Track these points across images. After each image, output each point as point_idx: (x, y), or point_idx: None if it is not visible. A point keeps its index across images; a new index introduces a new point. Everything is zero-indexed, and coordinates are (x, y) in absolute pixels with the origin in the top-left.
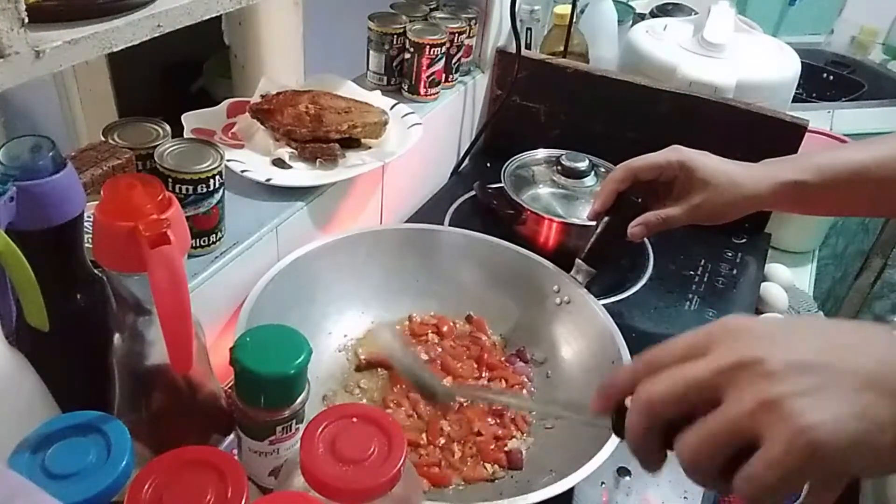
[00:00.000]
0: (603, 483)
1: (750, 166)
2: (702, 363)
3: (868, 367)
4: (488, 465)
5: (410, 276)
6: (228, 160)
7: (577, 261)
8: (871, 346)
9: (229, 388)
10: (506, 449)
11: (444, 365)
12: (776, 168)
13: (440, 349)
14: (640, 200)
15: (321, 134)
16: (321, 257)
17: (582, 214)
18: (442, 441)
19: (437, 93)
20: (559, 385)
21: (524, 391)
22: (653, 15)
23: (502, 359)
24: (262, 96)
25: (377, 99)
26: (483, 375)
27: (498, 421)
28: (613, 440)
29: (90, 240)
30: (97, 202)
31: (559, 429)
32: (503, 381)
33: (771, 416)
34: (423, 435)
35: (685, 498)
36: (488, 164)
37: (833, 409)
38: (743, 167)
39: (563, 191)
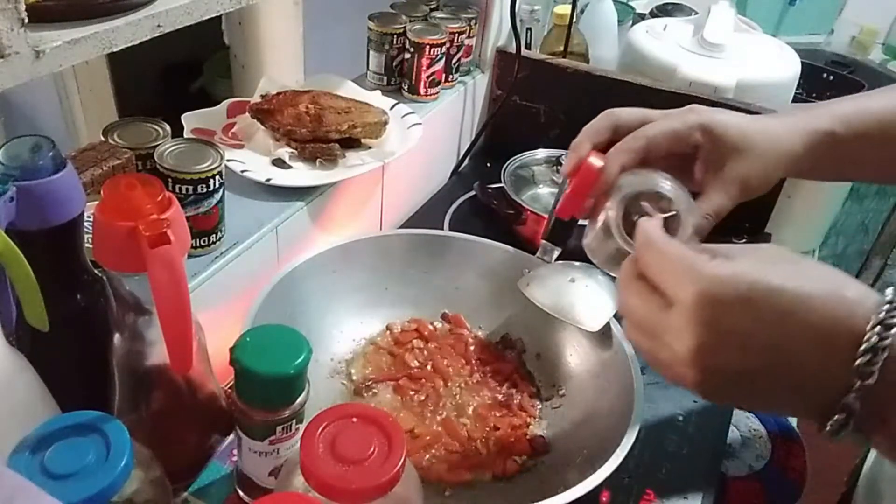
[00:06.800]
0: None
1: (778, 117)
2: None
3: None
4: (517, 457)
5: (379, 285)
6: (228, 160)
7: (542, 241)
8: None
9: (229, 388)
10: (528, 437)
11: (435, 367)
12: (806, 118)
13: (427, 353)
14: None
15: (321, 134)
16: (292, 286)
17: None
18: (463, 441)
19: (437, 93)
20: (551, 361)
21: (519, 377)
22: (653, 15)
23: (488, 344)
24: (262, 96)
25: (377, 99)
26: (475, 370)
27: (507, 411)
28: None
29: (90, 240)
30: (97, 202)
31: (566, 407)
32: (498, 372)
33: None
34: (444, 437)
35: (685, 498)
36: (488, 164)
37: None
38: (774, 120)
39: None
